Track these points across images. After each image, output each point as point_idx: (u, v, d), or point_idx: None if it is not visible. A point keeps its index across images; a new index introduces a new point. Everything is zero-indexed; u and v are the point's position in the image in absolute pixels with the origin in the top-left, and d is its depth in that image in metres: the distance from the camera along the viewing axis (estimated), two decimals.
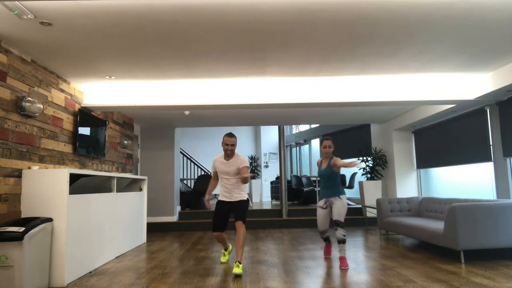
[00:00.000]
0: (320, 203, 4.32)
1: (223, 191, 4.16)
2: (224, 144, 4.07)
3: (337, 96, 5.20)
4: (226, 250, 4.42)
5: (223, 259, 4.36)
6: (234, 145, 4.08)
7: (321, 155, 4.48)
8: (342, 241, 4.05)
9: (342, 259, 3.99)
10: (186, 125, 7.96)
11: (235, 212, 4.07)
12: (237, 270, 3.69)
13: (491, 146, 5.41)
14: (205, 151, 12.03)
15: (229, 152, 4.06)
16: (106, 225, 4.45)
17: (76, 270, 3.67)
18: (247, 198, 4.15)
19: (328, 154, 4.28)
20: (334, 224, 4.12)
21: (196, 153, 11.64)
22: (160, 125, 7.82)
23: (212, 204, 10.04)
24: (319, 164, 4.42)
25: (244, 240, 3.95)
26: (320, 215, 4.30)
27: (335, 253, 4.65)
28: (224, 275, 3.68)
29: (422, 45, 3.76)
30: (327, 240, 4.49)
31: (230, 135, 4.09)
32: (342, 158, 9.88)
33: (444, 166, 6.69)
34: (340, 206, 4.13)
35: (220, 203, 4.16)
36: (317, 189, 9.26)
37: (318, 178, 4.42)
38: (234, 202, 4.09)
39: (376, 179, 7.91)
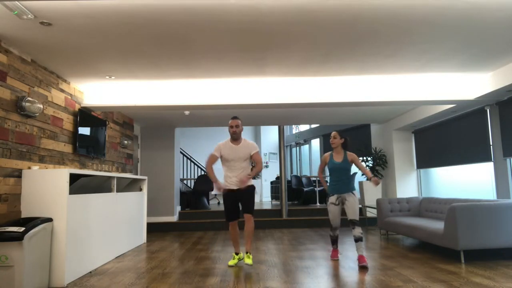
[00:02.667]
0: (332, 199, 4.25)
1: (231, 178, 4.10)
2: (229, 126, 4.10)
3: (337, 96, 5.20)
4: (237, 254, 4.22)
5: (231, 262, 4.14)
6: (238, 126, 4.09)
7: (324, 152, 4.51)
8: (359, 239, 4.06)
9: (362, 257, 3.97)
10: (186, 125, 7.96)
11: (244, 202, 4.11)
12: (248, 260, 4.01)
13: (491, 146, 5.41)
14: (205, 151, 12.01)
15: (235, 134, 4.08)
16: (106, 225, 4.45)
17: (76, 270, 3.67)
18: (253, 185, 4.17)
19: (335, 145, 4.29)
20: (351, 223, 4.14)
21: (196, 153, 11.63)
22: (160, 125, 7.82)
23: (213, 204, 10.04)
24: (329, 157, 4.33)
25: (252, 231, 4.14)
26: (333, 212, 4.25)
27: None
28: (224, 275, 3.68)
29: (422, 45, 3.76)
30: (335, 243, 4.37)
31: (234, 117, 4.14)
32: None
33: (444, 166, 6.69)
34: (354, 204, 4.17)
35: (228, 193, 4.13)
36: (317, 189, 9.25)
37: (317, 176, 4.44)
38: (243, 189, 4.08)
39: None
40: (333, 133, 4.36)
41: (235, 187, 4.09)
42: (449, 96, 5.15)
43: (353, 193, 4.22)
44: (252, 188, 4.14)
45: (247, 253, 4.12)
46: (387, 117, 7.58)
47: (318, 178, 9.49)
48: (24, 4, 2.77)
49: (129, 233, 5.29)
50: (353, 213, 4.14)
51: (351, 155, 4.28)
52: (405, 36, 3.53)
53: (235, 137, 4.11)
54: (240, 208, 4.18)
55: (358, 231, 4.08)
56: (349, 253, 4.64)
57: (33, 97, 3.90)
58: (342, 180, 4.23)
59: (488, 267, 3.74)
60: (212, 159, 4.11)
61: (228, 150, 4.10)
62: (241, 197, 4.12)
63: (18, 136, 3.63)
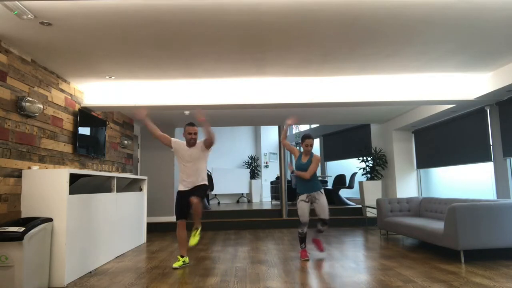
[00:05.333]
0: (303, 197, 4.42)
1: (185, 178, 4.10)
2: (187, 133, 4.07)
3: (337, 96, 5.20)
4: (182, 257, 4.14)
5: (176, 264, 4.05)
6: (197, 133, 4.09)
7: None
8: (322, 232, 4.54)
9: (318, 241, 4.58)
10: None
11: (196, 193, 4.02)
12: (193, 240, 4.00)
13: (491, 146, 5.41)
14: None
15: (193, 141, 4.08)
16: (106, 225, 4.45)
17: (76, 270, 3.67)
18: (207, 184, 4.15)
19: (307, 152, 4.48)
20: (321, 222, 4.41)
21: None
22: (160, 125, 7.78)
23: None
24: (299, 156, 4.51)
25: (199, 209, 3.94)
26: (303, 208, 4.40)
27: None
28: (224, 275, 3.68)
29: (422, 45, 3.76)
30: (304, 242, 4.46)
31: (192, 124, 4.12)
32: (342, 158, 9.88)
33: (444, 166, 6.69)
34: (325, 204, 4.38)
35: (181, 193, 4.12)
36: None
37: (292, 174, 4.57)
38: (195, 187, 4.07)
39: (376, 179, 7.90)
40: (310, 141, 4.45)
41: (187, 188, 4.09)
42: (449, 96, 5.15)
43: (321, 192, 4.42)
44: (204, 186, 4.14)
45: (196, 229, 4.06)
46: (387, 117, 7.58)
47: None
48: (24, 4, 2.77)
49: (129, 233, 5.28)
50: (324, 213, 4.36)
51: (316, 156, 4.47)
52: (405, 36, 3.53)
53: (193, 143, 4.10)
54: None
55: (324, 228, 4.46)
56: (349, 253, 4.64)
57: (33, 97, 3.90)
58: (307, 180, 4.41)
59: (488, 267, 3.74)
60: (164, 138, 4.13)
61: (183, 152, 4.11)
62: (194, 193, 4.03)
63: (18, 136, 3.63)
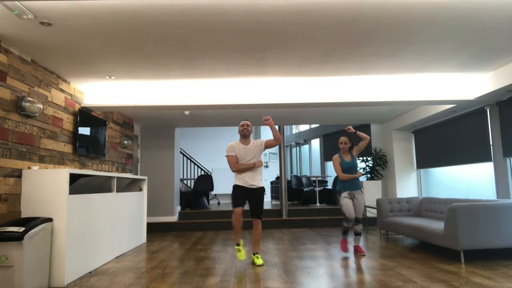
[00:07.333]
0: (345, 194, 4.54)
1: (244, 176, 4.18)
2: (240, 125, 4.28)
3: (337, 96, 5.20)
4: (238, 245, 4.23)
5: (241, 256, 4.14)
6: (249, 125, 4.28)
7: (334, 152, 4.83)
8: (359, 234, 4.64)
9: (359, 247, 4.62)
10: (186, 125, 7.96)
11: (255, 206, 4.20)
12: (258, 261, 4.10)
13: (491, 146, 5.40)
14: (205, 151, 12.03)
15: (246, 132, 4.23)
16: (106, 225, 4.45)
17: (76, 270, 3.67)
18: (264, 188, 4.30)
19: (345, 149, 4.65)
20: (356, 221, 4.57)
21: (196, 153, 11.63)
22: (160, 125, 7.82)
23: (212, 204, 10.04)
24: (340, 158, 4.63)
25: (261, 235, 4.29)
26: (348, 204, 4.51)
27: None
28: (224, 275, 3.68)
29: (422, 45, 3.76)
30: (347, 233, 4.64)
31: (245, 120, 4.36)
32: None
33: (444, 166, 6.69)
34: (362, 203, 4.58)
35: (239, 187, 4.20)
36: (317, 188, 9.25)
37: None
38: (254, 189, 4.19)
39: (376, 179, 7.90)
40: (344, 139, 4.68)
41: (247, 186, 4.18)
42: (449, 96, 5.14)
43: (361, 192, 4.61)
44: (263, 192, 4.26)
45: (255, 254, 4.19)
46: (387, 117, 7.58)
47: (318, 179, 9.51)
48: (24, 4, 2.77)
49: (129, 233, 5.28)
50: (359, 212, 4.56)
51: (354, 150, 4.69)
52: (405, 36, 3.53)
53: (246, 134, 4.25)
54: (250, 210, 4.24)
55: (360, 227, 4.61)
56: (349, 253, 4.64)
57: (33, 97, 3.90)
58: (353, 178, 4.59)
59: (488, 267, 3.74)
60: (234, 159, 4.22)
61: (241, 151, 4.22)
62: (252, 198, 4.20)
63: (18, 136, 3.63)
